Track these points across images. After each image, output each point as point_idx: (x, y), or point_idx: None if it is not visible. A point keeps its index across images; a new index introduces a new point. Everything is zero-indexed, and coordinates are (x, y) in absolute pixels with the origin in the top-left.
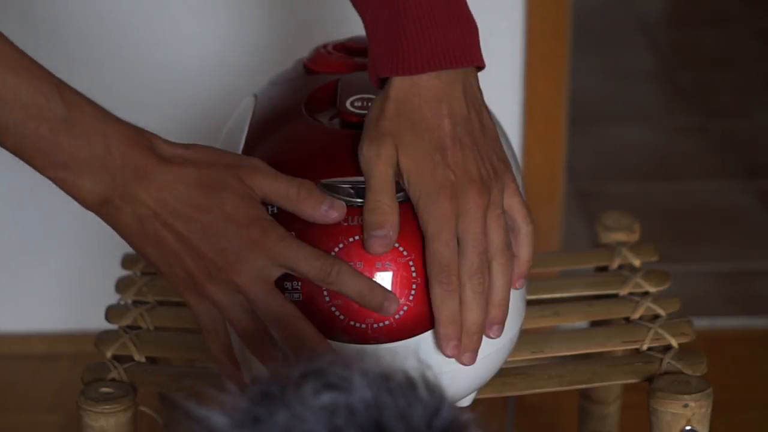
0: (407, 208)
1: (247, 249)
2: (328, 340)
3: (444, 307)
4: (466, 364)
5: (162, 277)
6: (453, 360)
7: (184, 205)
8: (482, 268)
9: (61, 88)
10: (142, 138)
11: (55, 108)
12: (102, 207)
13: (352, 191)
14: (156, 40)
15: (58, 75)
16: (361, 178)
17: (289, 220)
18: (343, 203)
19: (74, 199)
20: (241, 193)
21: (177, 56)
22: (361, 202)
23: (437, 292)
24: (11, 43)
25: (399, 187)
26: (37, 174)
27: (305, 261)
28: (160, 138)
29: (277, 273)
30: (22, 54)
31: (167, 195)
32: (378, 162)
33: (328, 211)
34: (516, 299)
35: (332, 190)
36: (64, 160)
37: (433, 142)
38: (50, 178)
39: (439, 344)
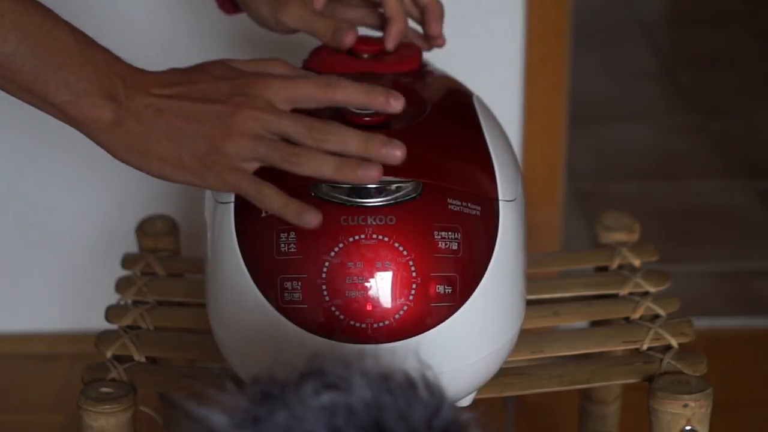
0: (407, 207)
1: (247, 88)
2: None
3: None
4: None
5: (193, 174)
6: (453, 360)
7: (178, 87)
8: None
9: (65, 22)
10: (127, 64)
11: (62, 31)
12: (113, 126)
13: (352, 191)
14: (155, 40)
15: None
16: None
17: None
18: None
19: (82, 126)
20: (219, 63)
21: (177, 56)
22: (361, 202)
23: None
24: None
25: (390, 191)
26: (38, 174)
27: (303, 82)
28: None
29: (286, 101)
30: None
31: (161, 88)
32: (295, 11)
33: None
34: (516, 299)
35: (332, 190)
36: (74, 82)
37: None
38: (61, 103)
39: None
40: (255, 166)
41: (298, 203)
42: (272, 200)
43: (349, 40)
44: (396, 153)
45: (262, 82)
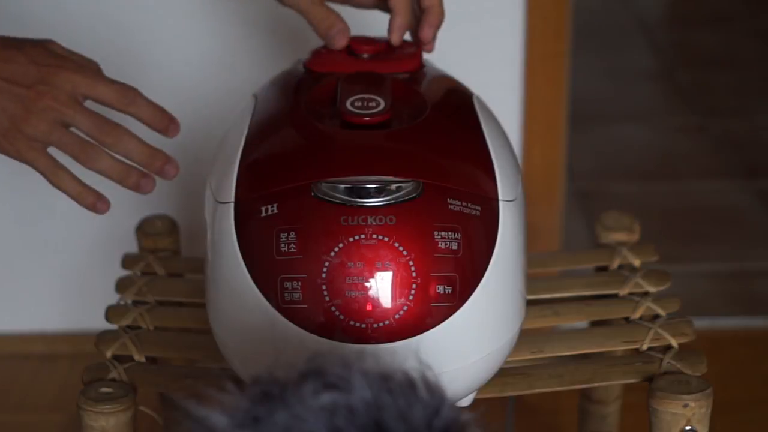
0: (407, 207)
1: (53, 77)
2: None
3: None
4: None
5: None
6: (453, 360)
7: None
8: None
9: None
10: None
11: None
12: None
13: (351, 191)
14: (156, 40)
15: None
16: (362, 178)
17: (289, 219)
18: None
19: None
20: (39, 45)
21: (177, 56)
22: (361, 202)
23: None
24: None
25: (390, 191)
26: (38, 174)
27: (102, 86)
28: None
29: (83, 98)
30: None
31: None
32: None
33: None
34: (516, 299)
35: (332, 190)
36: None
37: None
38: None
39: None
40: (50, 148)
41: (94, 192)
42: (67, 185)
43: (340, 42)
44: (172, 171)
45: (66, 75)
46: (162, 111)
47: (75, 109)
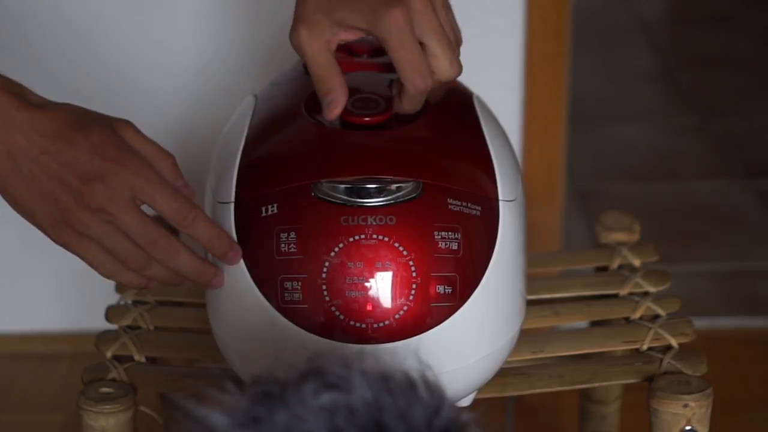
0: (407, 207)
1: (111, 177)
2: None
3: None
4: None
5: (41, 227)
6: (453, 360)
7: (51, 141)
8: (453, 56)
9: None
10: (11, 85)
11: None
12: None
13: (351, 191)
14: (156, 40)
15: (57, 75)
16: (362, 178)
17: (289, 219)
18: (190, 186)
19: None
20: (108, 131)
21: (177, 56)
22: (361, 202)
23: (415, 97)
24: None
25: (390, 191)
26: None
27: (163, 199)
28: (31, 90)
29: (143, 199)
30: None
31: (36, 134)
32: (304, 38)
33: (182, 188)
34: (516, 299)
35: (332, 190)
36: None
37: None
38: None
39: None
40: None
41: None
42: (129, 280)
43: (333, 113)
44: (218, 284)
45: (127, 177)
46: (222, 235)
47: (130, 216)
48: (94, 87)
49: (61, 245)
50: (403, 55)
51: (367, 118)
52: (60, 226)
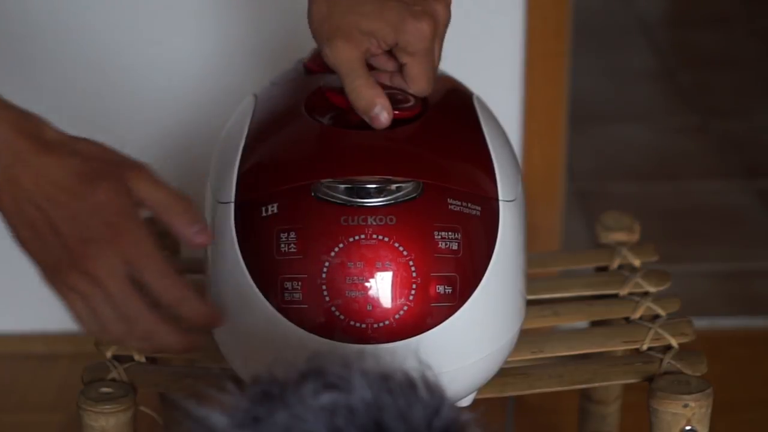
0: (407, 207)
1: (106, 244)
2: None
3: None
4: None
5: (36, 266)
6: (453, 360)
7: (59, 191)
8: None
9: None
10: (27, 123)
11: None
12: None
13: (351, 191)
14: (156, 40)
15: (58, 76)
16: (362, 178)
17: (289, 219)
18: (210, 232)
19: None
20: (117, 189)
21: (177, 56)
22: (361, 202)
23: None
24: None
25: (390, 191)
26: None
27: (154, 275)
28: (49, 126)
29: (133, 273)
30: None
31: (44, 181)
32: (342, 50)
33: (196, 233)
34: (516, 299)
35: (332, 190)
36: None
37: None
38: None
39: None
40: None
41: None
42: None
43: (385, 121)
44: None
45: (123, 247)
46: (208, 314)
47: (116, 286)
48: (95, 87)
49: (51, 289)
50: (426, 65)
51: (397, 112)
52: (52, 272)
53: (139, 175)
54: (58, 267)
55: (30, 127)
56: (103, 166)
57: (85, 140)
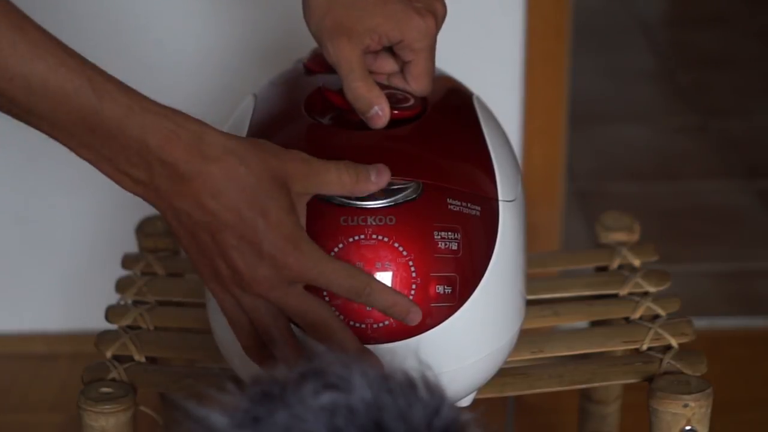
0: (407, 207)
1: (279, 275)
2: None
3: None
4: None
5: (199, 274)
6: (453, 360)
7: (224, 210)
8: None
9: (92, 76)
10: (185, 132)
11: (84, 98)
12: (141, 193)
13: None
14: (156, 39)
15: None
16: None
17: None
18: (385, 166)
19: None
20: (287, 208)
21: (177, 56)
22: (360, 203)
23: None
24: (38, 28)
25: (390, 191)
26: (38, 174)
27: (337, 284)
28: (209, 128)
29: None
30: (50, 38)
31: (207, 198)
32: (344, 49)
33: (378, 179)
34: (516, 299)
35: None
36: (97, 148)
37: None
38: (87, 161)
39: None
40: None
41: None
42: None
43: (382, 122)
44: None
45: (297, 270)
46: (398, 302)
47: (270, 315)
48: None
49: (205, 285)
50: (429, 62)
51: (396, 112)
52: (213, 279)
53: (303, 177)
54: (221, 279)
55: (187, 136)
56: (268, 183)
57: (243, 144)
